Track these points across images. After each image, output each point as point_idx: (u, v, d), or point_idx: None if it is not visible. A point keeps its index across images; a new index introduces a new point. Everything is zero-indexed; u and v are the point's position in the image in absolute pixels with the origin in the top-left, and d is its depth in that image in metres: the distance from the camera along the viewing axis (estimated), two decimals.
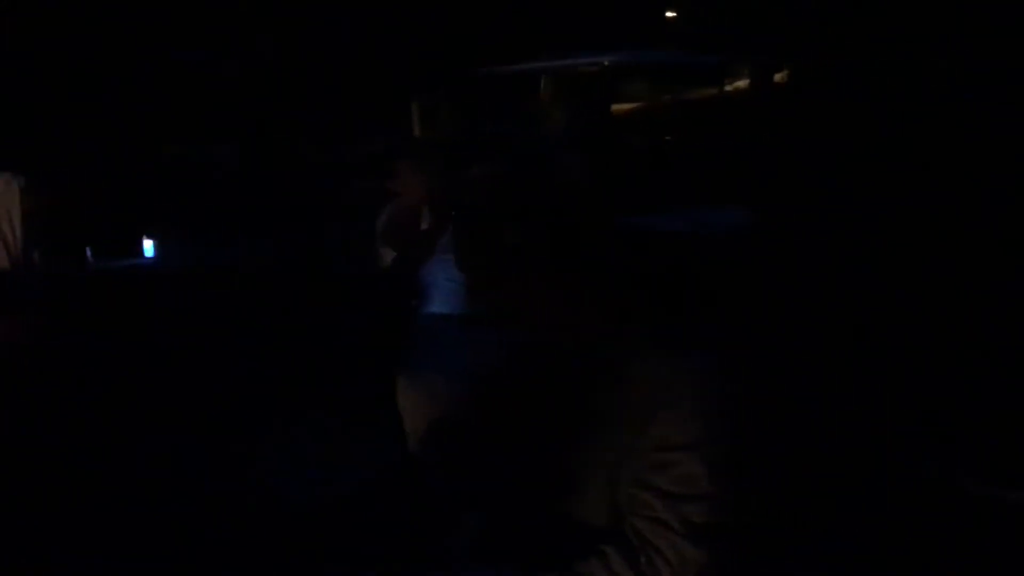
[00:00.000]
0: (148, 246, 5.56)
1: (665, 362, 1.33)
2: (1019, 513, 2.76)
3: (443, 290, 2.81)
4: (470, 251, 1.43)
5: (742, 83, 7.39)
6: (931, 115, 5.14)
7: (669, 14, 10.66)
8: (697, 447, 1.27)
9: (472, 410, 1.69)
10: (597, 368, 1.37)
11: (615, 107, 7.43)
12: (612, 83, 7.14)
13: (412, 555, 1.60)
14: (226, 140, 7.77)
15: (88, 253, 4.99)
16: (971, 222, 4.14)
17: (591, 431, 1.35)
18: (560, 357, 1.42)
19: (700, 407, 1.29)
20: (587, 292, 1.39)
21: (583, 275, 1.39)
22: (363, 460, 3.30)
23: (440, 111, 7.85)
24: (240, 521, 2.89)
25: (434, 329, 2.83)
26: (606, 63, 6.83)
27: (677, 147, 6.66)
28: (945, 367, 3.47)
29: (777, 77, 7.38)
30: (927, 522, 2.75)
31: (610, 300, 1.41)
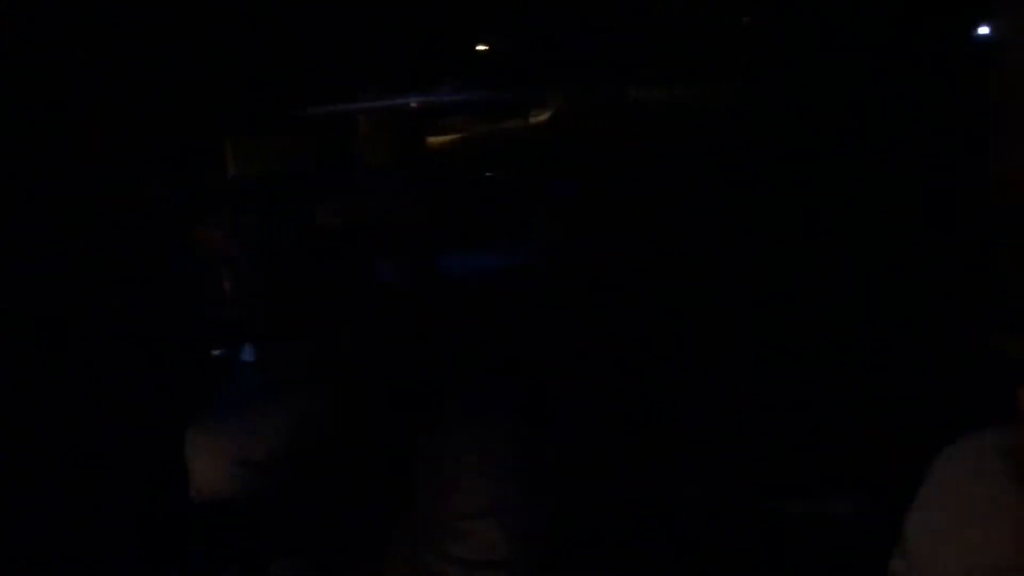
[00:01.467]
0: None
1: (461, 430, 1.35)
2: (842, 525, 2.92)
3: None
4: (281, 303, 1.43)
5: (545, 116, 7.64)
6: (736, 155, 5.40)
7: (480, 47, 10.88)
8: (493, 513, 1.29)
9: (277, 462, 1.68)
10: (397, 433, 1.39)
11: (433, 140, 7.54)
12: (425, 121, 7.26)
13: None
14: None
15: None
16: (764, 249, 4.37)
17: (396, 494, 1.37)
18: (361, 416, 1.43)
19: (495, 473, 1.31)
20: (397, 347, 1.41)
21: (398, 329, 1.41)
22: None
23: (256, 150, 7.72)
24: None
25: (243, 378, 2.78)
26: (413, 105, 6.94)
27: (489, 182, 6.79)
28: (754, 387, 3.63)
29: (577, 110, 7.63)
30: (757, 547, 2.87)
31: (414, 357, 1.43)
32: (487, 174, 7.16)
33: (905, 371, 3.40)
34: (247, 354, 2.78)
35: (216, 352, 2.96)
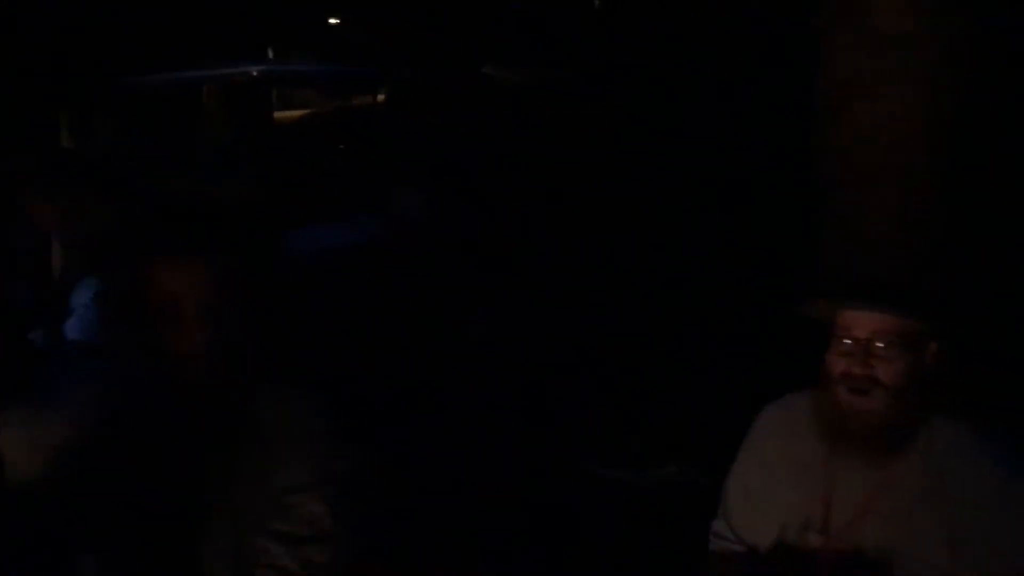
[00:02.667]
0: None
1: (280, 406, 1.33)
2: (649, 493, 3.01)
3: (78, 317, 2.65)
4: (122, 283, 1.37)
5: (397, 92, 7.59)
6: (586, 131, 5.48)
7: (332, 20, 10.67)
8: (315, 487, 1.27)
9: (94, 445, 1.60)
10: (221, 411, 1.34)
11: (280, 115, 7.37)
12: (271, 92, 7.09)
13: None
14: None
15: None
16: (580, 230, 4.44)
17: (214, 476, 1.33)
18: (188, 395, 1.38)
19: (314, 448, 1.29)
20: (234, 328, 1.36)
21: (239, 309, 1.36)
22: None
23: (92, 122, 7.38)
24: None
25: (63, 358, 2.66)
26: (255, 73, 6.76)
27: (339, 156, 6.70)
28: (581, 362, 3.70)
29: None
30: (590, 513, 2.93)
31: (243, 338, 1.39)
32: (339, 148, 7.05)
33: (722, 341, 3.54)
34: (71, 331, 2.65)
35: (36, 334, 2.81)
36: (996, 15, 2.60)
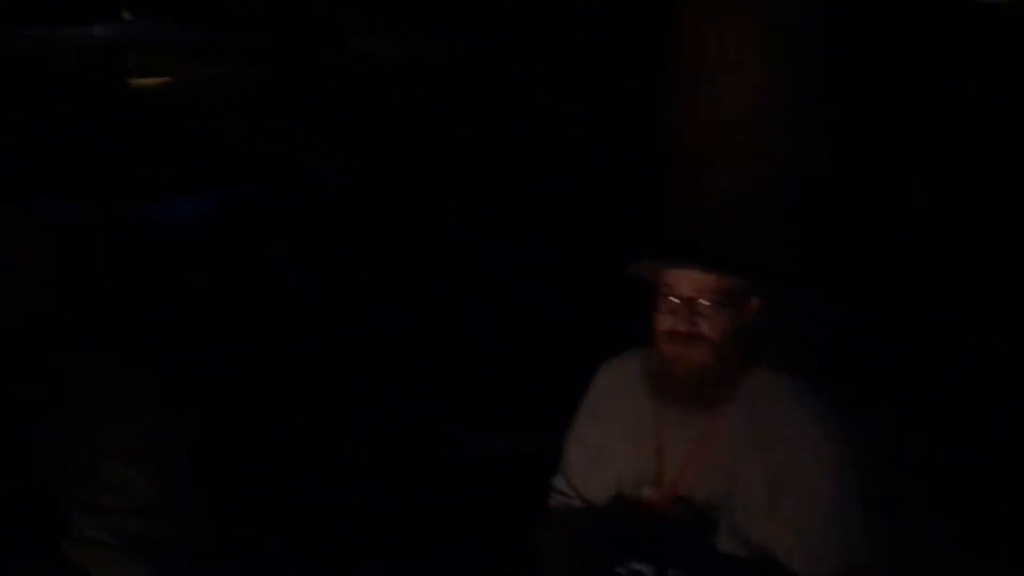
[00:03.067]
0: None
1: (104, 375, 1.30)
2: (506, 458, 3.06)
3: None
4: None
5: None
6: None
7: None
8: (133, 456, 1.25)
9: None
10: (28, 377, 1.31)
11: (140, 82, 7.09)
12: (127, 58, 6.79)
13: None
14: None
15: None
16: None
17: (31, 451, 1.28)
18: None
19: (136, 417, 1.27)
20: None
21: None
22: None
23: None
24: None
25: None
26: (98, 33, 6.44)
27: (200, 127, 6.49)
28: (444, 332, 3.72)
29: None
30: (454, 480, 2.95)
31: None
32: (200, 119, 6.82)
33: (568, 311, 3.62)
34: None
35: None
36: None
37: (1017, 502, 2.69)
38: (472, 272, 4.05)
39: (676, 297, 1.72)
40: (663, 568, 1.68)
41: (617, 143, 4.20)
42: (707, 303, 1.71)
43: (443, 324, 3.73)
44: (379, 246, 4.08)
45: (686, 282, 1.72)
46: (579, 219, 4.17)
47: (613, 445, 1.83)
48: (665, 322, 1.73)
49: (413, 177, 4.72)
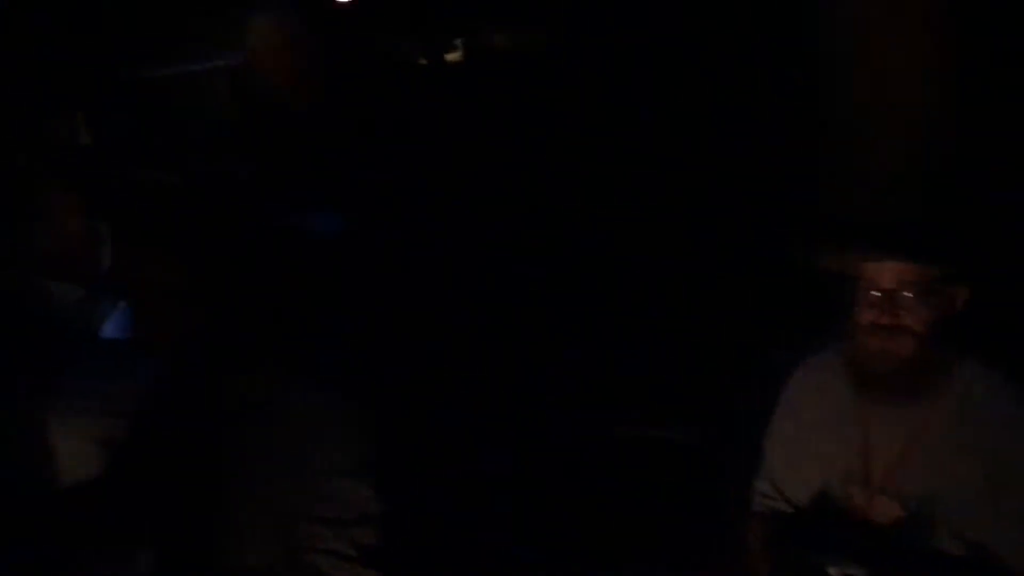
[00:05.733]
0: None
1: (307, 393, 1.34)
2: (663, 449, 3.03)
3: (120, 313, 2.69)
4: (139, 277, 1.39)
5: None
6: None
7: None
8: (358, 471, 1.29)
9: (139, 441, 1.63)
10: (246, 401, 1.36)
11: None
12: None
13: None
14: None
15: None
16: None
17: (249, 469, 1.34)
18: (212, 389, 1.40)
19: (352, 434, 1.31)
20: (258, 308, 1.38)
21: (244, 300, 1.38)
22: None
23: (104, 117, 7.40)
24: None
25: (97, 356, 2.70)
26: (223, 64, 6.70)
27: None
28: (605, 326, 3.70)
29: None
30: (617, 472, 2.95)
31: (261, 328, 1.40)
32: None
33: (738, 299, 3.54)
34: (110, 328, 2.69)
35: (73, 327, 2.85)
36: None
37: None
38: (624, 264, 4.02)
39: (878, 290, 1.66)
40: (878, 570, 1.63)
41: (761, 132, 4.09)
42: (910, 295, 1.65)
43: (600, 318, 3.72)
44: (533, 244, 4.09)
45: (889, 274, 1.66)
46: (731, 209, 4.07)
47: (817, 445, 1.79)
48: (867, 315, 1.67)
49: (563, 173, 4.71)
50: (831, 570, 1.64)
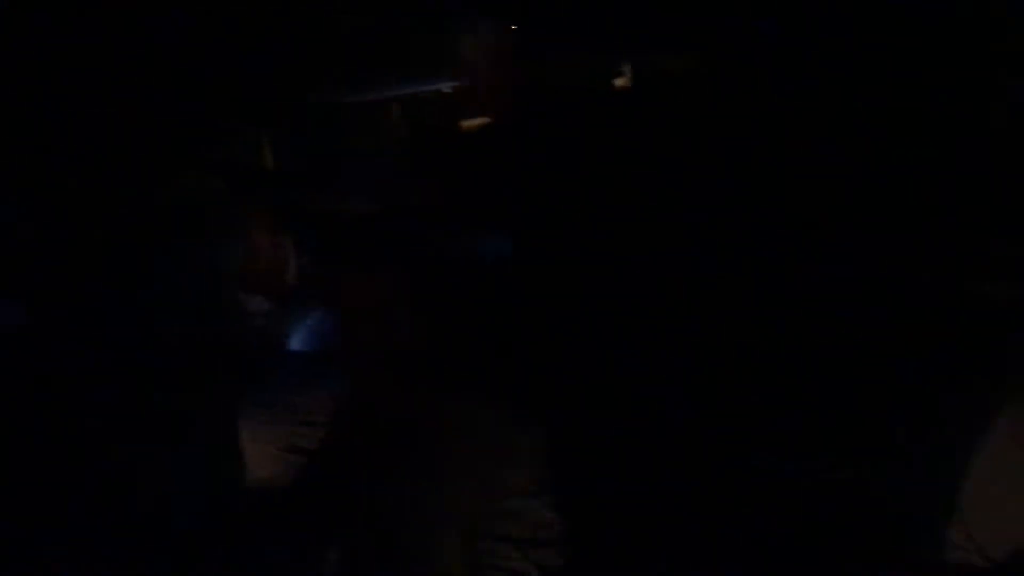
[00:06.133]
0: None
1: (496, 414, 1.35)
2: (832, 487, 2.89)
3: (303, 328, 2.80)
4: (344, 291, 1.44)
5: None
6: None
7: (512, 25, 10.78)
8: (543, 491, 1.29)
9: (324, 450, 1.69)
10: (433, 417, 1.38)
11: (465, 124, 7.53)
12: (456, 105, 7.23)
13: None
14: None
15: None
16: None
17: (435, 484, 1.36)
18: (400, 404, 1.43)
19: (538, 453, 1.32)
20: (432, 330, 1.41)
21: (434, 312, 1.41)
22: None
23: (292, 140, 7.78)
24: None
25: (286, 367, 2.81)
26: (446, 90, 6.92)
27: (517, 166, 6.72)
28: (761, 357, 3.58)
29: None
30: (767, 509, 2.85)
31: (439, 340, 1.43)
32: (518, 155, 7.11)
33: (899, 330, 3.35)
34: (296, 342, 2.81)
35: (262, 338, 2.99)
36: None
37: None
38: (808, 291, 3.89)
39: None
40: None
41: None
42: None
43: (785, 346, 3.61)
44: (708, 267, 4.03)
45: None
46: (916, 240, 3.88)
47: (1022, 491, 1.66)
48: None
49: (737, 199, 4.62)
50: None
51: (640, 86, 6.49)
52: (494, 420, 1.36)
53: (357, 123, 7.94)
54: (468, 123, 7.74)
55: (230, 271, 3.07)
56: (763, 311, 3.79)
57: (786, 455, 3.14)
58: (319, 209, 3.17)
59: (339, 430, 1.60)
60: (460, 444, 1.36)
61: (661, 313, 3.58)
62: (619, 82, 7.09)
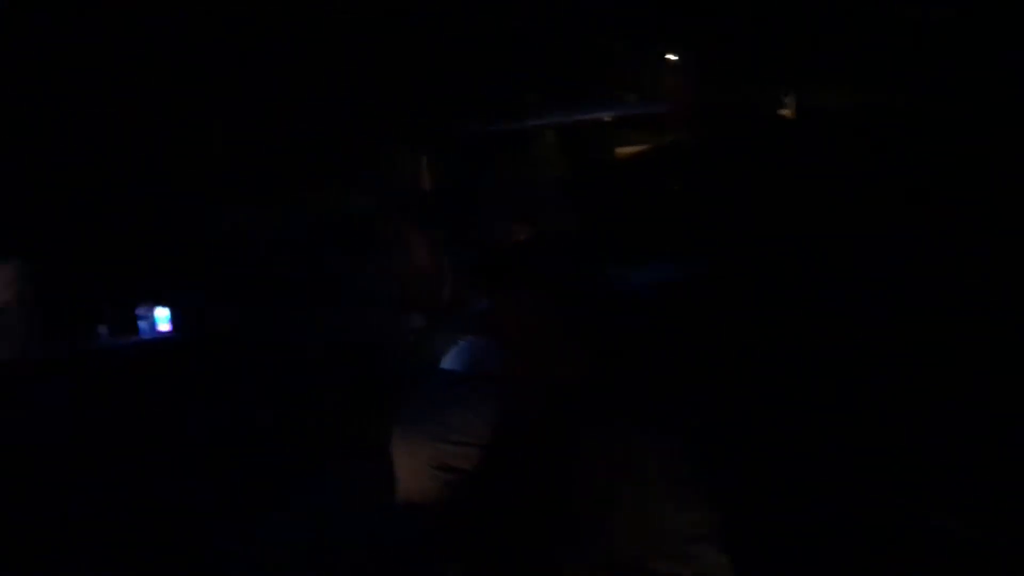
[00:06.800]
0: (164, 316, 5.54)
1: (671, 456, 1.32)
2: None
3: (456, 348, 2.83)
4: (504, 317, 1.45)
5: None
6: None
7: (670, 56, 10.70)
8: (717, 536, 1.26)
9: (474, 468, 1.70)
10: (598, 451, 1.36)
11: (619, 150, 7.53)
12: (614, 133, 7.29)
13: None
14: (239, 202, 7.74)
15: (103, 331, 5.02)
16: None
17: (595, 523, 1.34)
18: (562, 433, 1.42)
19: (712, 497, 1.28)
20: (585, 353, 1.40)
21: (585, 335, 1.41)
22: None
23: (448, 165, 7.95)
24: None
25: (438, 385, 2.85)
26: (607, 119, 6.99)
27: (677, 194, 6.68)
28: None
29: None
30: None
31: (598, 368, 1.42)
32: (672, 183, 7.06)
33: None
34: (449, 360, 2.85)
35: (415, 354, 3.04)
36: None
37: None
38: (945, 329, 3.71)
39: None
40: None
41: None
42: None
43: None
44: (869, 305, 3.88)
45: None
46: None
47: None
48: None
49: (909, 231, 4.45)
50: None
51: (806, 117, 6.38)
52: (665, 458, 1.33)
53: (513, 149, 8.07)
54: (624, 150, 7.75)
55: (390, 288, 3.16)
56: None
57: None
58: (476, 233, 3.22)
59: (495, 454, 1.60)
60: (627, 482, 1.33)
61: (846, 344, 3.46)
62: (785, 112, 6.98)
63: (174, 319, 5.48)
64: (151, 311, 5.36)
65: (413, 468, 2.80)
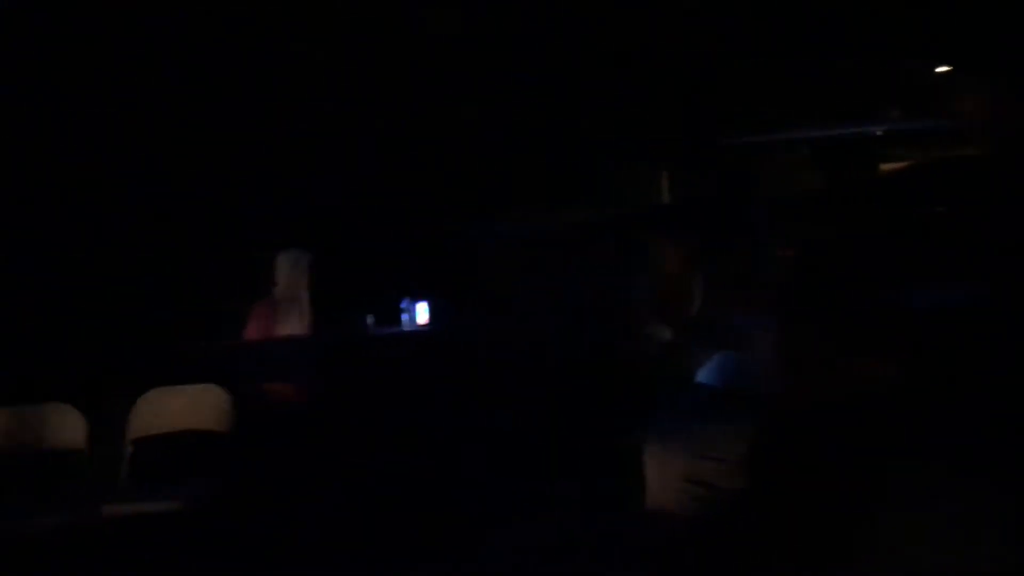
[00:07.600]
0: (423, 310, 5.88)
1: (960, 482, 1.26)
2: None
3: (711, 363, 2.81)
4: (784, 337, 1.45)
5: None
6: None
7: (941, 69, 10.04)
8: None
9: (726, 483, 1.70)
10: (876, 477, 1.32)
11: (883, 166, 7.19)
12: (878, 149, 6.96)
13: None
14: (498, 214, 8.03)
15: (370, 321, 5.41)
16: None
17: (880, 563, 1.29)
18: (836, 459, 1.39)
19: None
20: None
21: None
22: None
23: (698, 177, 7.89)
24: None
25: (694, 399, 2.85)
26: (878, 133, 6.70)
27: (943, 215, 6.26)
28: None
29: None
30: None
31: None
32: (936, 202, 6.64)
33: None
34: (705, 375, 2.85)
35: (665, 367, 3.05)
36: None
37: None
38: None
39: None
40: None
41: None
42: None
43: None
44: None
45: None
46: None
47: None
48: None
49: None
50: None
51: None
52: (964, 492, 1.26)
53: (764, 164, 7.87)
54: (890, 167, 7.36)
55: (642, 299, 3.19)
56: None
57: None
58: (736, 247, 3.18)
59: (750, 472, 1.60)
60: (915, 515, 1.27)
61: None
62: None
63: (432, 313, 5.79)
64: (413, 305, 5.71)
65: (665, 479, 2.81)
